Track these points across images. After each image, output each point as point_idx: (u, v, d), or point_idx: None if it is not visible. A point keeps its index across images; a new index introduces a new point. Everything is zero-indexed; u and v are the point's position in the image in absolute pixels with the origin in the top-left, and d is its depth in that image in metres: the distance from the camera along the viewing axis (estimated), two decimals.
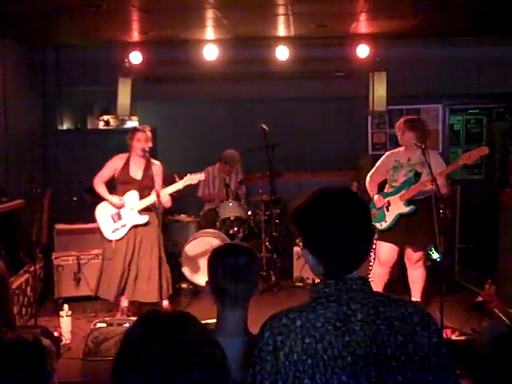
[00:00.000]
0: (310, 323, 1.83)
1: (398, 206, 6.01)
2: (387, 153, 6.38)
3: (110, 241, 6.24)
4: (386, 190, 6.24)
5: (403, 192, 5.99)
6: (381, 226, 6.12)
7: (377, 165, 6.35)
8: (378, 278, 6.27)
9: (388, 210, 6.09)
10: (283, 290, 7.42)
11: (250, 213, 7.92)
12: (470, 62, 8.51)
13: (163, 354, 1.47)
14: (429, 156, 5.62)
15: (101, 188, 6.28)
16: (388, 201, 6.11)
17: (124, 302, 6.40)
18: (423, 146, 5.67)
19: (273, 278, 7.56)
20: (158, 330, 1.53)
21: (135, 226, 6.21)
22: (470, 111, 10.53)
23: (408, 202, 5.95)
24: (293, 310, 1.89)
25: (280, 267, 7.84)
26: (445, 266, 5.92)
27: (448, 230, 5.76)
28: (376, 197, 6.20)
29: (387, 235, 6.12)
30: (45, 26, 7.37)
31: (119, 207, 6.21)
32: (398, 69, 8.18)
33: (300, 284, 7.51)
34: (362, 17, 7.09)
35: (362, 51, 8.03)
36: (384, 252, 6.18)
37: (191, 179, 6.15)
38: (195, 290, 7.32)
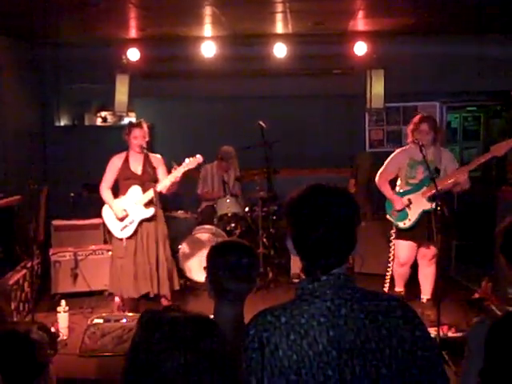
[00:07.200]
0: (294, 320, 1.85)
1: (422, 203, 5.95)
2: (398, 150, 6.33)
3: (121, 239, 6.20)
4: (400, 188, 6.19)
5: (425, 189, 5.95)
6: (404, 224, 6.07)
7: (386, 163, 6.28)
8: (399, 277, 6.29)
9: (410, 209, 6.04)
10: (280, 286, 7.41)
11: (247, 209, 7.93)
12: (467, 59, 8.51)
13: (176, 357, 1.47)
14: (439, 153, 5.97)
15: (107, 196, 6.27)
16: (408, 199, 6.06)
17: (117, 298, 6.42)
18: (421, 143, 5.71)
19: (270, 275, 7.55)
20: (174, 334, 1.52)
21: (142, 221, 6.19)
22: (467, 108, 10.53)
23: (430, 199, 5.87)
24: (277, 307, 1.91)
25: (277, 264, 7.85)
26: (441, 262, 5.91)
27: (445, 227, 5.76)
28: (394, 197, 6.13)
29: (408, 233, 6.09)
30: (43, 22, 7.36)
31: (122, 219, 6.20)
32: (395, 66, 8.18)
33: (297, 280, 7.44)
34: (360, 14, 7.10)
35: (360, 49, 8.04)
36: (404, 252, 6.17)
37: (190, 163, 6.11)
38: (192, 286, 7.33)
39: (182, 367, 1.46)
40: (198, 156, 6.15)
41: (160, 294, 6.16)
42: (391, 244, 6.30)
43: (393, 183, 6.30)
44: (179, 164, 6.10)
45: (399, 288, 6.32)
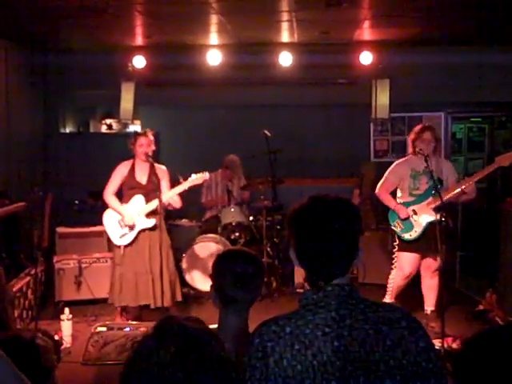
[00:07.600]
0: (299, 330, 1.85)
1: (427, 214, 5.89)
2: (398, 161, 6.27)
3: (119, 246, 6.21)
4: (402, 199, 6.12)
5: (430, 199, 5.89)
6: (410, 236, 5.98)
7: (386, 175, 6.23)
8: (397, 289, 6.19)
9: (415, 220, 5.96)
10: (284, 295, 7.40)
11: (251, 218, 7.91)
12: (472, 70, 8.50)
13: (176, 363, 1.46)
14: (440, 163, 5.95)
15: (112, 201, 6.24)
16: (413, 210, 5.99)
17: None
18: (425, 154, 5.69)
19: (274, 284, 7.54)
20: (174, 339, 1.52)
21: (143, 231, 6.19)
22: (472, 119, 10.52)
23: (436, 209, 5.76)
24: (282, 317, 1.91)
25: (281, 273, 7.83)
26: (446, 274, 5.88)
27: (449, 238, 5.74)
28: (398, 207, 6.06)
29: (412, 245, 6.01)
30: (49, 29, 7.39)
31: (131, 226, 6.18)
32: (400, 76, 8.18)
33: (301, 290, 7.44)
34: (366, 24, 7.11)
35: (365, 58, 8.05)
36: (408, 264, 6.06)
37: (196, 179, 6.13)
38: (196, 295, 7.31)
39: (181, 377, 1.46)
40: (206, 173, 6.16)
41: (163, 306, 6.12)
42: (394, 255, 6.24)
43: (392, 194, 6.26)
44: (185, 178, 6.11)
45: (391, 299, 6.17)
